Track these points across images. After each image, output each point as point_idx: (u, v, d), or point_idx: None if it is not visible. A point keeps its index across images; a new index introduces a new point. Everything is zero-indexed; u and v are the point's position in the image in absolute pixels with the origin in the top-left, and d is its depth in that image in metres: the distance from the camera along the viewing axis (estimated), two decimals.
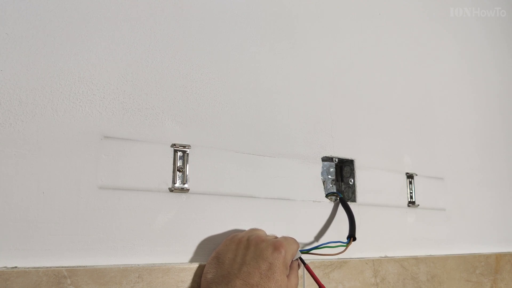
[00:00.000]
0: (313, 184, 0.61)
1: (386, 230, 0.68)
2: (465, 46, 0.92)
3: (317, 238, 0.60)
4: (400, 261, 0.65)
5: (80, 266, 0.42)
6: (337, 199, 0.63)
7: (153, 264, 0.46)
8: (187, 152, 0.51)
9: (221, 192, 0.53)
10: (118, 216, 0.46)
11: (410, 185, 0.72)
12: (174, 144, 0.50)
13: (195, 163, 0.51)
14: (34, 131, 0.43)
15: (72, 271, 0.41)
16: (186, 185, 0.50)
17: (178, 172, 0.50)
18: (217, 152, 0.53)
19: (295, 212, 0.58)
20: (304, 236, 0.59)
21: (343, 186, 0.65)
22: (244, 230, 0.52)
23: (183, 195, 0.50)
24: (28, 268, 0.40)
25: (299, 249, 0.50)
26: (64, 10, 0.47)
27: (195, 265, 0.48)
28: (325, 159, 0.63)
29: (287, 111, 0.61)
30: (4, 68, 0.42)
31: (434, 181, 0.77)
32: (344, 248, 0.54)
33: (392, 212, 0.69)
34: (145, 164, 0.48)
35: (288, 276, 0.46)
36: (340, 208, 0.62)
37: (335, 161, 0.64)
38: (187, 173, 0.50)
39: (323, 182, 0.63)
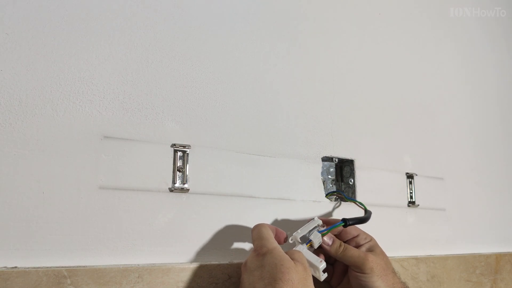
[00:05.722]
0: (313, 184, 0.61)
1: (386, 230, 0.68)
2: (465, 46, 0.92)
3: None
4: (400, 261, 0.65)
5: (80, 266, 0.42)
6: (337, 198, 0.63)
7: (153, 264, 0.46)
8: (187, 152, 0.51)
9: (221, 192, 0.53)
10: (118, 216, 0.46)
11: (410, 185, 0.72)
12: (174, 144, 0.50)
13: (195, 163, 0.51)
14: (34, 131, 0.43)
15: (72, 271, 0.41)
16: (186, 185, 0.50)
17: (178, 172, 0.50)
18: (217, 152, 0.53)
19: (295, 212, 0.58)
20: None
21: (343, 186, 0.65)
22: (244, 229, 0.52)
23: (183, 195, 0.50)
24: (28, 268, 0.40)
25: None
26: (64, 10, 0.47)
27: (195, 265, 0.48)
28: (325, 159, 0.63)
29: (287, 111, 0.61)
30: (4, 68, 0.42)
31: (434, 181, 0.77)
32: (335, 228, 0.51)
33: (392, 212, 0.69)
34: (145, 164, 0.48)
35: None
36: (340, 208, 0.62)
37: (335, 161, 0.64)
38: (187, 173, 0.50)
39: (323, 182, 0.62)
